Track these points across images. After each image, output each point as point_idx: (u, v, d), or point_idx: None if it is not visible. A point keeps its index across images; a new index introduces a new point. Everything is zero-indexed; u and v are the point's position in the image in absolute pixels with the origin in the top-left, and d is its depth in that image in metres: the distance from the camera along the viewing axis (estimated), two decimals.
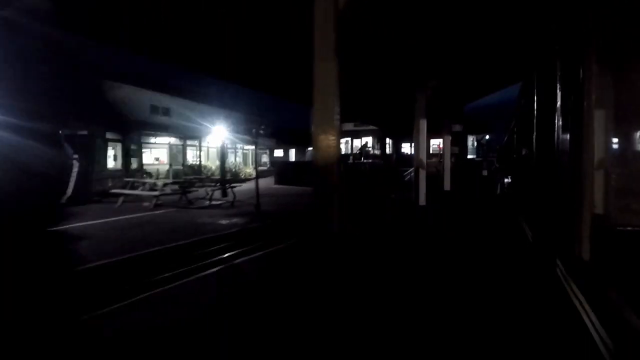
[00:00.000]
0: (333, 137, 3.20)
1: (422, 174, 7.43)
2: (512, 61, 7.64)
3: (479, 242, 5.02)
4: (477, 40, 6.19)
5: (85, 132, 11.22)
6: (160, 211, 8.83)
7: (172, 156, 19.99)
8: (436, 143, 23.96)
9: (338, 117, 3.27)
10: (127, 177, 13.02)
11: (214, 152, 22.42)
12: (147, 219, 7.77)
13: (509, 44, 6.59)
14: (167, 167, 18.97)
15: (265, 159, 28.77)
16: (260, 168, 26.98)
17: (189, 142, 20.53)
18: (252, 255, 4.36)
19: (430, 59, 6.43)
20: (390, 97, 10.20)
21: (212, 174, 20.12)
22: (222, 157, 12.43)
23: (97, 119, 15.07)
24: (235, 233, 6.01)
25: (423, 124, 7.38)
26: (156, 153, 19.27)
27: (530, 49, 5.36)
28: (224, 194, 10.05)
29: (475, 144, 26.27)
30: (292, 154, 33.78)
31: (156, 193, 9.25)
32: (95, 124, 14.82)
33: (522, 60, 7.40)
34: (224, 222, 7.35)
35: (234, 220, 7.60)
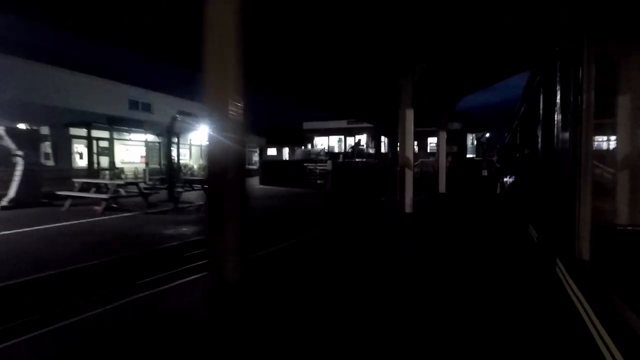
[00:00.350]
0: (230, 127, 2.00)
1: (409, 175, 6.22)
2: (512, 48, 6.50)
3: (470, 261, 3.87)
4: (472, 18, 5.02)
5: (35, 127, 10.00)
6: (108, 217, 7.65)
7: (153, 155, 18.82)
8: (435, 142, 22.78)
9: (242, 102, 2.06)
10: (89, 178, 11.85)
11: (197, 151, 21.24)
12: (83, 227, 6.59)
13: (510, 31, 5.46)
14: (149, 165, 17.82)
15: (256, 157, 27.80)
16: (251, 167, 25.99)
17: None
18: (144, 293, 3.14)
19: (415, 34, 5.22)
20: (382, 91, 8.98)
21: (192, 174, 18.94)
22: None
23: (59, 113, 13.89)
24: (165, 250, 4.82)
25: (409, 115, 6.16)
26: (135, 151, 18.09)
27: (535, 40, 4.49)
28: (172, 199, 8.79)
29: (475, 142, 25.03)
30: (286, 153, 32.54)
31: (105, 196, 8.06)
32: (56, 118, 13.66)
33: (525, 50, 6.30)
34: (169, 232, 6.17)
35: (184, 229, 6.41)
